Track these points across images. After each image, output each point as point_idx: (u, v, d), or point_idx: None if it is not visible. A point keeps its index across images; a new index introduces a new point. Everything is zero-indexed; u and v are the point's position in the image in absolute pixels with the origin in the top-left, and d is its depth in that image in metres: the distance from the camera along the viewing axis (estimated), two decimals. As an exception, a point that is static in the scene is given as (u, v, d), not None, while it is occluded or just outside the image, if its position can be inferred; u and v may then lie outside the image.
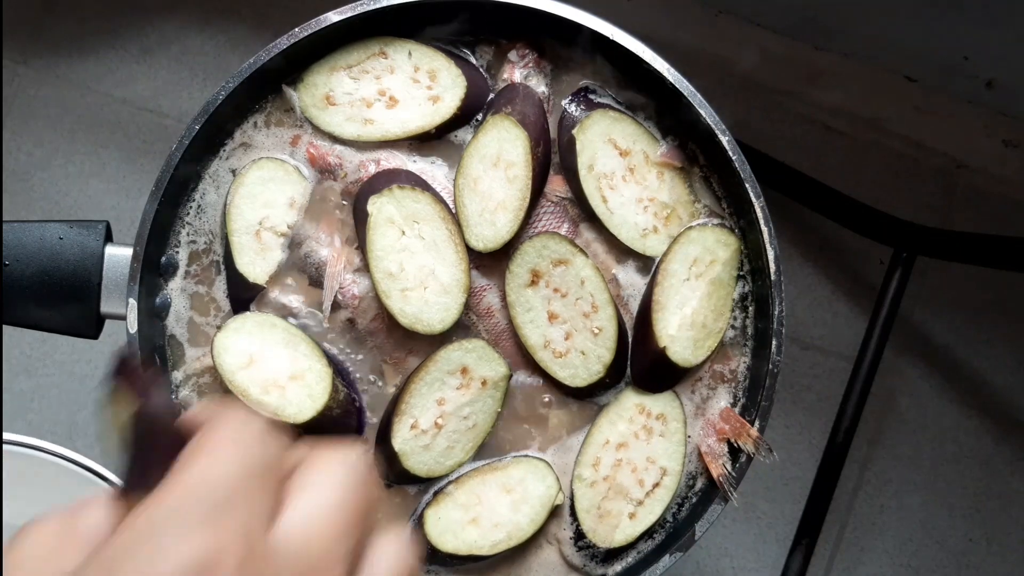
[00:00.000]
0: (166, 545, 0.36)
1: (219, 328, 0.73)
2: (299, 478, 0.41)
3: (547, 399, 0.77)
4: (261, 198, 0.76)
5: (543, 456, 0.76)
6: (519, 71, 0.78)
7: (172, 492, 0.38)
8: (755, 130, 1.21)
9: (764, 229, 0.74)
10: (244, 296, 0.76)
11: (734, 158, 0.74)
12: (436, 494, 0.74)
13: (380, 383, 0.77)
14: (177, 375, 0.77)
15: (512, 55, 0.78)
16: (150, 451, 0.41)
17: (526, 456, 0.76)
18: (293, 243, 0.77)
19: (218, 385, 0.74)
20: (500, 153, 0.74)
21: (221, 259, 0.77)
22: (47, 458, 0.92)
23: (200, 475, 0.38)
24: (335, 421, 0.74)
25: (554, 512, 0.75)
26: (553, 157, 0.78)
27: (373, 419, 0.76)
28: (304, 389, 0.72)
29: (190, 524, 0.36)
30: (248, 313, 0.75)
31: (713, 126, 0.74)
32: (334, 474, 0.41)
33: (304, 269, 0.77)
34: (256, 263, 0.76)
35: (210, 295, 0.77)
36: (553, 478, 0.74)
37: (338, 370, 0.75)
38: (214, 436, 0.40)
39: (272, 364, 0.73)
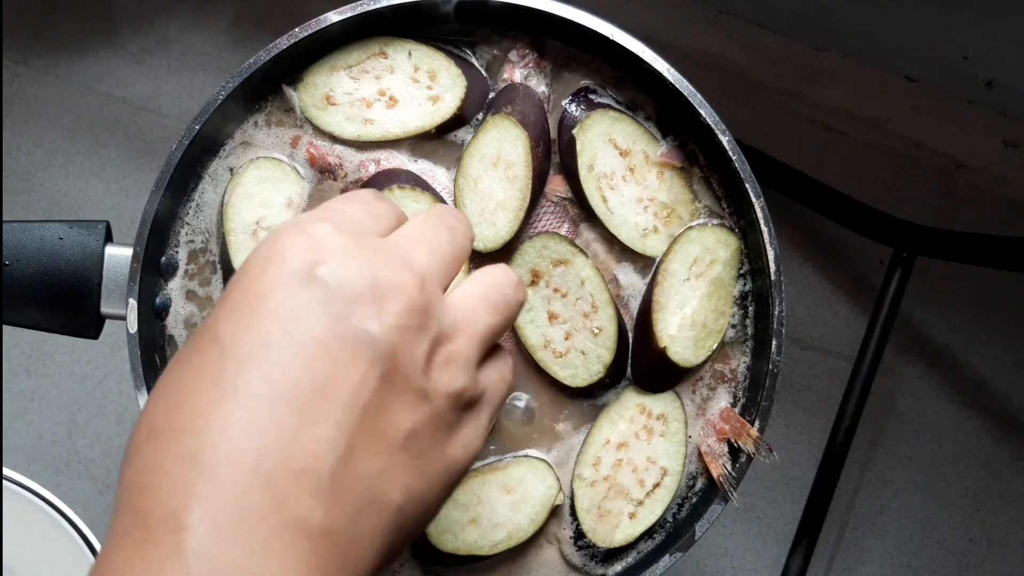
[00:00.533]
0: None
1: None
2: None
3: (547, 399, 0.77)
4: (258, 198, 0.76)
5: (543, 456, 0.76)
6: (519, 71, 0.78)
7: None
8: (755, 130, 1.21)
9: (764, 229, 0.74)
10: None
11: (734, 158, 0.74)
12: (436, 494, 0.74)
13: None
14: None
15: (512, 55, 0.78)
16: None
17: (526, 456, 0.76)
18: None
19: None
20: (500, 153, 0.74)
21: (217, 259, 0.77)
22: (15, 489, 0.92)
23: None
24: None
25: (554, 512, 0.75)
26: (553, 157, 0.78)
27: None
28: None
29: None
30: None
31: (713, 126, 0.74)
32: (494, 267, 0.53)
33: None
34: None
35: (207, 294, 0.77)
36: (553, 478, 0.75)
37: None
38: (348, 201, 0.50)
39: None
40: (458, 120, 0.77)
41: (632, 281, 0.77)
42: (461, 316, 0.47)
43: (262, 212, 0.76)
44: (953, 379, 1.20)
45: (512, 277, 0.51)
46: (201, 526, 0.36)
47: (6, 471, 0.92)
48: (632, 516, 0.75)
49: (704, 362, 0.76)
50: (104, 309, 0.76)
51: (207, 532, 0.36)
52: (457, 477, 0.46)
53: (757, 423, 0.74)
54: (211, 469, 0.37)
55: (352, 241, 0.44)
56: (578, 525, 0.75)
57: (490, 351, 0.51)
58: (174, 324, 0.77)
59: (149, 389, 0.73)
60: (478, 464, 0.75)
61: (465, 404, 0.46)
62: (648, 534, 0.76)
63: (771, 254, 0.74)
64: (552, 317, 0.75)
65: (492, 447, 0.76)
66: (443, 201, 0.75)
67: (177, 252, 0.78)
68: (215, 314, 0.43)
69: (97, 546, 0.91)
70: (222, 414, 0.39)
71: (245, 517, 0.37)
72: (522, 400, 0.76)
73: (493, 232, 0.74)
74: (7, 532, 0.92)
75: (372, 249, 0.44)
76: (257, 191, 0.76)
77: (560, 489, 0.75)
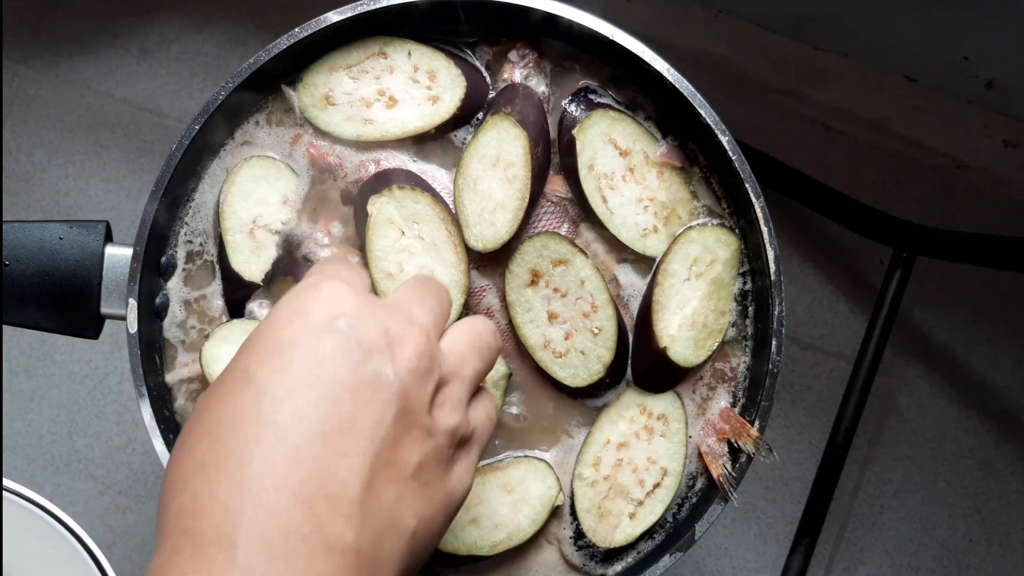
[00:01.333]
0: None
1: (207, 337, 0.73)
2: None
3: (547, 399, 0.77)
4: (254, 196, 0.76)
5: (543, 456, 0.76)
6: (519, 71, 0.78)
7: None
8: (755, 130, 1.21)
9: (764, 229, 0.74)
10: (239, 296, 0.76)
11: (734, 158, 0.74)
12: (436, 494, 0.74)
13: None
14: (170, 378, 0.77)
15: (512, 55, 0.78)
16: None
17: (526, 456, 0.76)
18: (292, 244, 0.77)
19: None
20: (499, 153, 0.74)
21: (215, 259, 0.77)
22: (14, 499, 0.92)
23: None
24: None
25: (554, 512, 0.75)
26: (553, 157, 0.78)
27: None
28: None
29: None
30: (235, 321, 0.75)
31: (713, 126, 0.74)
32: (473, 319, 0.59)
33: (300, 274, 0.76)
34: (251, 261, 0.76)
35: (203, 296, 0.77)
36: (554, 478, 0.74)
37: None
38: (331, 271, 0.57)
39: None
40: (458, 120, 0.77)
41: (632, 281, 0.77)
42: (454, 362, 0.54)
43: (258, 210, 0.76)
44: (953, 379, 1.20)
45: (491, 326, 0.59)
46: (251, 545, 0.42)
47: (5, 482, 0.92)
48: (632, 516, 0.75)
49: (704, 362, 0.76)
50: (104, 309, 0.76)
51: (256, 550, 0.42)
52: (456, 507, 0.53)
53: (757, 423, 0.74)
54: (258, 495, 0.43)
55: (363, 299, 0.51)
56: (578, 525, 0.75)
57: (475, 392, 0.58)
58: (169, 326, 0.77)
59: (149, 389, 0.73)
60: (480, 464, 0.75)
61: (459, 441, 0.53)
62: (648, 534, 0.76)
63: (771, 254, 0.74)
64: (552, 317, 0.75)
65: (497, 442, 0.76)
66: (443, 201, 0.75)
67: (177, 252, 0.78)
68: (244, 359, 0.49)
69: (97, 552, 0.91)
70: (264, 447, 0.44)
71: (289, 537, 0.42)
72: (515, 408, 0.76)
73: (492, 232, 0.74)
74: (7, 542, 0.92)
75: (381, 306, 0.52)
76: (252, 190, 0.76)
77: (560, 489, 0.75)
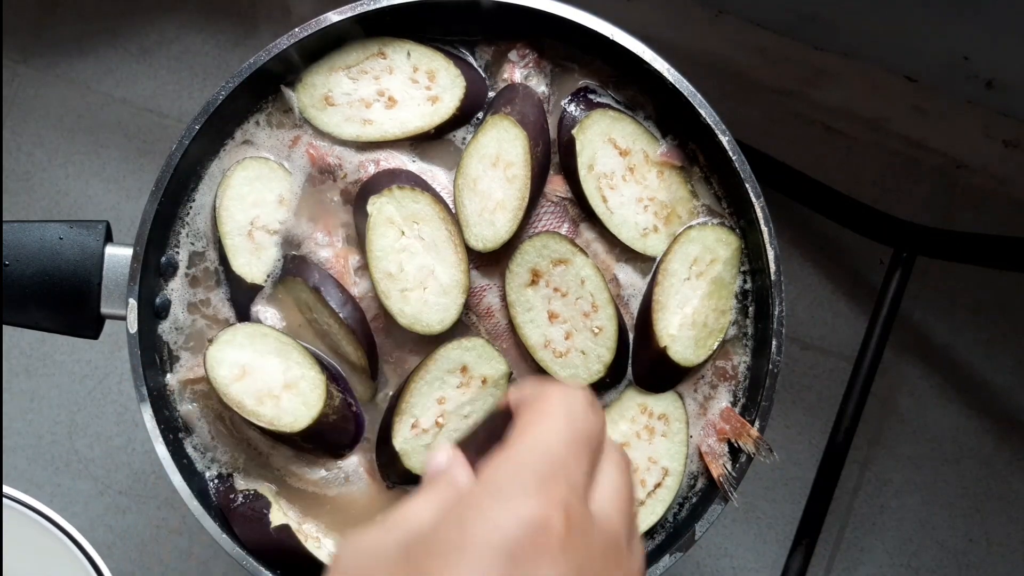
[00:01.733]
0: (507, 505, 0.41)
1: (211, 341, 0.73)
2: (607, 455, 0.47)
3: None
4: (249, 198, 0.76)
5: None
6: (519, 71, 0.78)
7: (511, 458, 0.43)
8: (755, 130, 1.21)
9: (764, 229, 0.74)
10: (243, 298, 0.76)
11: (734, 158, 0.74)
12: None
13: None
14: (172, 380, 0.76)
15: (512, 55, 0.78)
16: (490, 422, 0.50)
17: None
18: (291, 244, 0.77)
19: (213, 394, 0.73)
20: (499, 153, 0.74)
21: (218, 264, 0.77)
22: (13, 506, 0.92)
23: (534, 443, 0.44)
24: (332, 427, 0.74)
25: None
26: (553, 157, 0.78)
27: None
28: (299, 397, 0.72)
29: (527, 488, 0.42)
30: (239, 324, 0.75)
31: (713, 126, 0.74)
32: (617, 467, 0.47)
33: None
34: (252, 263, 0.76)
35: (207, 298, 0.77)
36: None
37: (332, 376, 0.74)
38: (544, 408, 0.45)
39: (265, 374, 0.73)
40: (457, 120, 0.77)
41: (632, 281, 0.77)
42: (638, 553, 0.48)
43: (255, 212, 0.76)
44: (953, 379, 1.20)
45: (624, 457, 0.50)
46: None
47: (6, 488, 0.92)
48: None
49: (705, 361, 0.76)
50: (104, 309, 0.76)
51: None
52: None
53: (757, 423, 0.74)
54: None
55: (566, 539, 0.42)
56: (578, 525, 0.74)
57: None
58: (171, 328, 0.77)
59: (149, 389, 0.73)
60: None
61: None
62: (648, 534, 0.76)
63: (771, 254, 0.74)
64: (552, 317, 0.75)
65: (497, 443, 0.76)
66: (443, 201, 0.75)
67: (177, 253, 0.78)
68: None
69: (96, 559, 0.91)
70: None
71: None
72: None
73: (492, 232, 0.74)
74: (7, 550, 0.91)
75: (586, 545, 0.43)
76: (248, 192, 0.76)
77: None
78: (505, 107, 0.75)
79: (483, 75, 0.79)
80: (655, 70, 0.74)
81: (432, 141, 0.78)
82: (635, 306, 0.77)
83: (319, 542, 0.74)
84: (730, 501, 0.73)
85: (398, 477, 0.75)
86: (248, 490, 0.74)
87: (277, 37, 0.74)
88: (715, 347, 0.76)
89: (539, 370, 0.75)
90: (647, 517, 0.75)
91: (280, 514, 0.73)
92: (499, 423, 0.48)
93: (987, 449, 1.19)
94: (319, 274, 0.74)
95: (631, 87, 0.79)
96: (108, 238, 0.77)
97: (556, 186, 0.77)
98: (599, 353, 0.74)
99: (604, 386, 0.76)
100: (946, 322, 1.21)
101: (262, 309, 0.76)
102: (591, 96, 0.78)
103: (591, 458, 0.46)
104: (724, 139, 0.74)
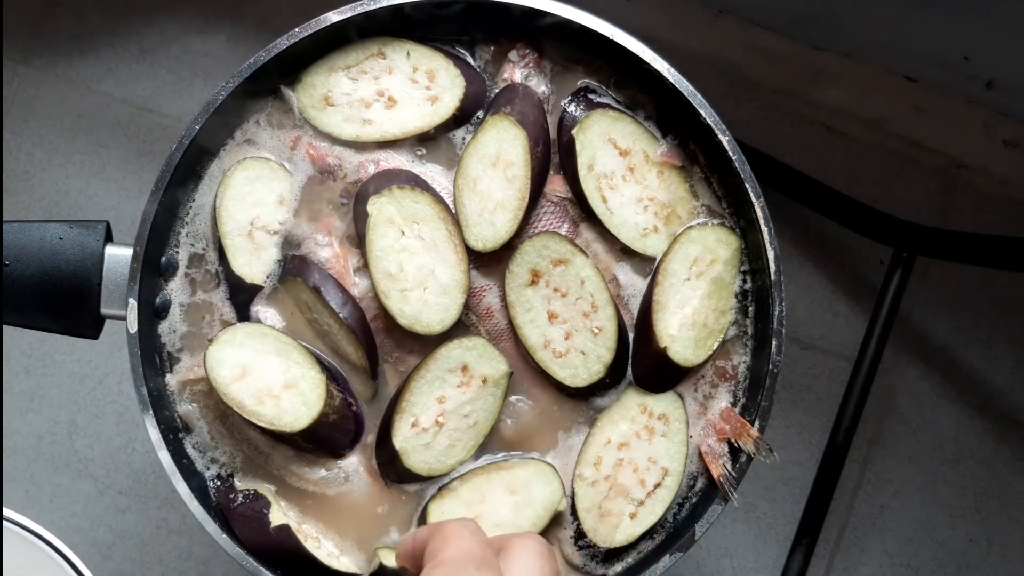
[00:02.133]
0: None
1: (211, 341, 0.73)
2: (509, 556, 0.57)
3: (548, 399, 0.77)
4: (250, 198, 0.76)
5: (550, 460, 0.76)
6: (519, 71, 0.78)
7: (442, 564, 0.54)
8: (755, 130, 1.21)
9: (764, 229, 0.74)
10: (242, 299, 0.76)
11: (734, 158, 0.74)
12: (441, 489, 0.74)
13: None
14: (172, 380, 0.76)
15: (512, 55, 0.78)
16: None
17: (533, 459, 0.75)
18: (291, 244, 0.77)
19: (213, 394, 0.73)
20: (499, 153, 0.74)
21: (216, 263, 0.77)
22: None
23: (457, 552, 0.54)
24: (332, 426, 0.74)
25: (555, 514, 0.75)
26: (553, 157, 0.78)
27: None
28: (299, 397, 0.72)
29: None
30: (239, 324, 0.75)
31: (713, 126, 0.74)
32: (532, 552, 0.57)
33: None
34: (252, 264, 0.76)
35: (208, 299, 0.77)
36: (559, 483, 0.74)
37: (332, 376, 0.74)
38: (449, 531, 0.56)
39: (265, 374, 0.73)
40: (457, 120, 0.77)
41: (632, 281, 0.77)
42: None
43: (255, 212, 0.76)
44: (953, 379, 1.20)
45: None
46: None
47: (5, 511, 0.91)
48: (633, 516, 0.75)
49: (705, 361, 0.76)
50: (104, 309, 0.76)
51: None
52: None
53: (757, 423, 0.74)
54: None
55: None
56: (579, 525, 0.75)
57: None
58: (171, 328, 0.77)
59: (149, 389, 0.73)
60: (483, 462, 0.75)
61: None
62: (649, 534, 0.76)
63: (771, 254, 0.74)
64: (552, 317, 0.75)
65: (497, 443, 0.76)
66: (443, 201, 0.75)
67: (178, 253, 0.78)
68: None
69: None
70: None
71: None
72: (515, 408, 0.77)
73: (492, 232, 0.74)
74: (7, 571, 0.91)
75: None
76: (248, 192, 0.76)
77: (564, 495, 0.75)
78: (505, 107, 0.75)
79: (483, 75, 0.79)
80: (655, 70, 0.74)
81: (432, 141, 0.78)
82: (635, 306, 0.77)
83: (319, 542, 0.74)
84: (730, 501, 0.73)
85: (397, 476, 0.75)
86: (248, 490, 0.74)
87: (277, 37, 0.74)
88: (715, 347, 0.76)
89: (539, 370, 0.75)
90: (647, 517, 0.75)
91: (280, 514, 0.73)
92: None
93: (987, 449, 1.19)
94: (319, 274, 0.74)
95: (631, 87, 0.79)
96: (108, 238, 0.77)
97: (556, 186, 0.77)
98: (599, 353, 0.74)
99: (604, 386, 0.76)
100: (946, 322, 1.21)
101: (262, 309, 0.76)
102: (591, 96, 0.78)
103: (495, 562, 0.56)
104: (724, 139, 0.74)
